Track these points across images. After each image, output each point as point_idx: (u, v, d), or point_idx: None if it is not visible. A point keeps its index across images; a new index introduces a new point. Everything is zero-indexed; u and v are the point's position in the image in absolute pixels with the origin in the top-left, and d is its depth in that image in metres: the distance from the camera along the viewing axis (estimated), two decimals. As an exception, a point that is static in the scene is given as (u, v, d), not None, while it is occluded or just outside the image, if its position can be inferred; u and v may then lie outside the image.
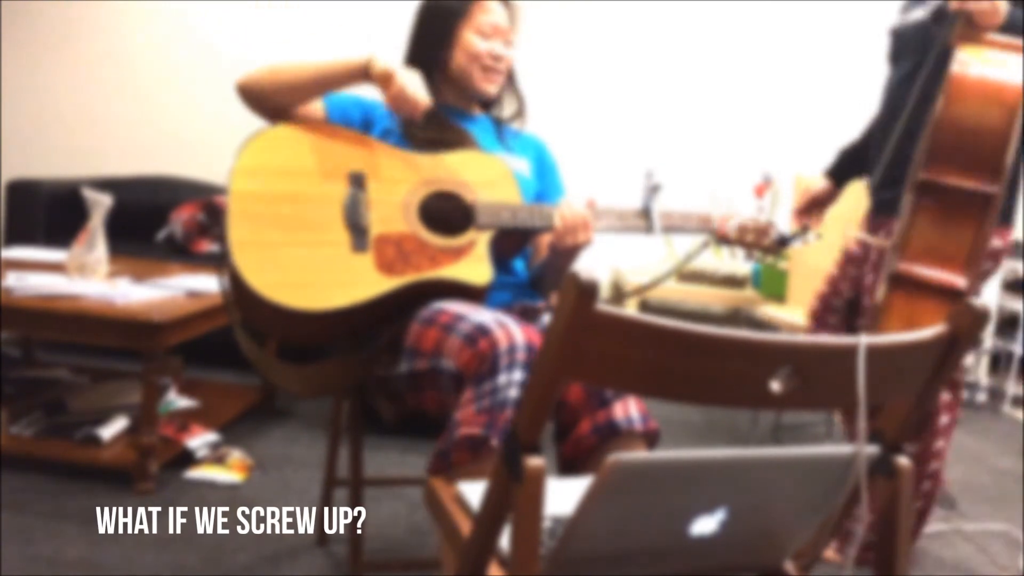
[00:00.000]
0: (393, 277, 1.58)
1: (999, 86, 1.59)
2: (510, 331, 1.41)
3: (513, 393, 1.35)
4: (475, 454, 1.34)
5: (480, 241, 1.66)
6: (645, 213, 1.72)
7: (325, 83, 1.67)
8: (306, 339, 1.66)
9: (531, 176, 1.86)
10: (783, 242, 1.74)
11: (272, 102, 1.69)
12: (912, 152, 1.86)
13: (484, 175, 1.72)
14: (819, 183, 2.31)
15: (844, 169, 2.28)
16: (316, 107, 1.74)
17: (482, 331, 1.41)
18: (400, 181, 1.66)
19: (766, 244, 1.74)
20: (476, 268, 1.64)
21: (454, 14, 1.79)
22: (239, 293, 1.56)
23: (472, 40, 1.78)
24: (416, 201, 1.66)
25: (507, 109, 1.92)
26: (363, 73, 1.63)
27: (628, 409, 1.48)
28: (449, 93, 1.85)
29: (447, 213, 1.69)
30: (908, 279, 1.68)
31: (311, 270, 1.55)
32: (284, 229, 1.56)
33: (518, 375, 1.36)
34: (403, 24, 1.87)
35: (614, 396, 1.49)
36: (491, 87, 1.83)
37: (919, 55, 1.97)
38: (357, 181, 1.64)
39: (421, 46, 1.83)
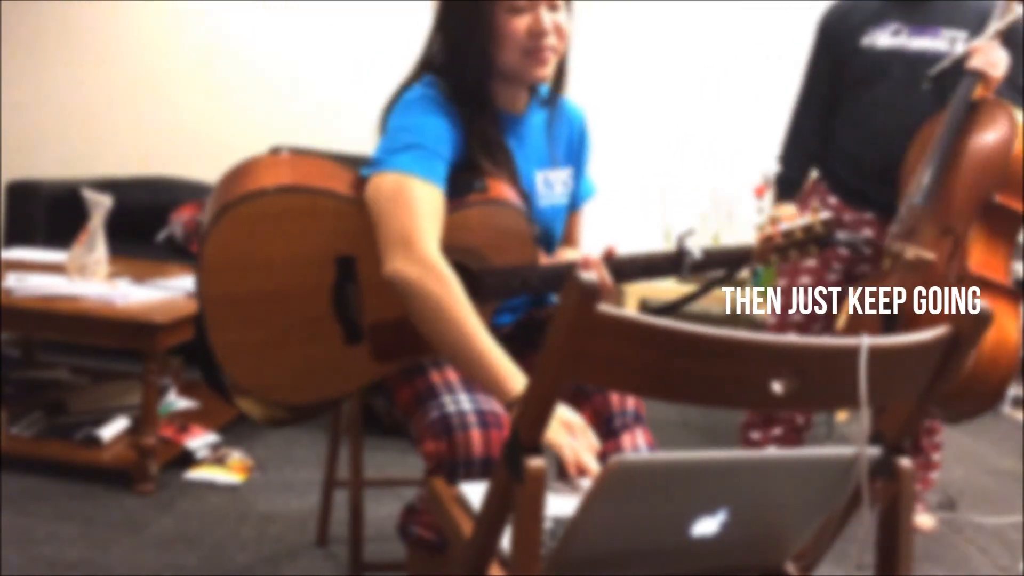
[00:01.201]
0: (387, 365, 1.50)
1: None
2: (470, 439, 1.31)
3: None
4: (431, 555, 1.45)
5: (481, 314, 1.55)
6: (679, 255, 1.56)
7: (462, 368, 1.33)
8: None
9: (567, 192, 1.68)
10: (825, 239, 1.62)
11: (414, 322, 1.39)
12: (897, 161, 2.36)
13: (499, 234, 1.52)
14: (789, 210, 2.55)
15: (793, 190, 2.60)
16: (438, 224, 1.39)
17: (445, 428, 1.32)
18: None
19: (818, 231, 1.59)
20: None
21: None
22: None
23: (505, 21, 1.44)
24: None
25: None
26: (501, 399, 1.28)
27: (636, 441, 1.46)
28: (501, 92, 1.55)
29: None
30: (983, 281, 2.14)
31: (304, 367, 1.46)
32: (270, 328, 1.44)
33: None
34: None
35: (622, 427, 1.47)
36: (542, 70, 1.49)
37: (928, 86, 2.33)
38: (345, 267, 1.45)
39: (456, 47, 1.50)
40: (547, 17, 1.45)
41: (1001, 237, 2.18)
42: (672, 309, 1.69)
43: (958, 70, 2.24)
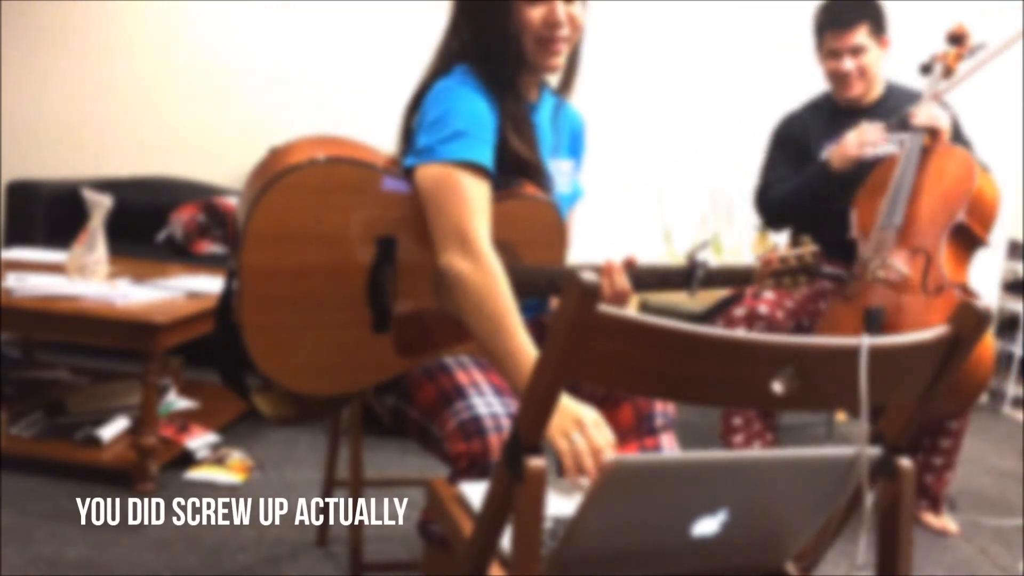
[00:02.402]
0: (409, 359, 1.51)
1: (991, 179, 2.53)
2: (504, 439, 1.33)
3: None
4: (452, 555, 1.43)
5: None
6: (691, 269, 1.61)
7: (491, 361, 1.37)
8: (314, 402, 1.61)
9: (570, 182, 1.72)
10: (814, 270, 1.74)
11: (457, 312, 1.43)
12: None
13: (533, 229, 1.56)
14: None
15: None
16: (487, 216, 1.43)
17: (478, 429, 1.33)
18: None
19: (808, 260, 1.70)
20: None
21: None
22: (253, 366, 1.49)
23: (522, 10, 1.48)
24: None
25: (554, 78, 1.65)
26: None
27: (673, 442, 1.50)
28: (520, 80, 1.58)
29: None
30: (960, 286, 2.42)
31: (326, 354, 1.46)
32: (301, 310, 1.43)
33: None
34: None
35: (663, 427, 1.50)
36: (554, 60, 1.53)
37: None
38: (386, 247, 1.47)
39: (488, 37, 1.52)
40: (562, 9, 1.49)
41: (964, 252, 2.49)
42: (709, 316, 1.77)
43: (904, 127, 2.59)
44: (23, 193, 3.61)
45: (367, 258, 1.46)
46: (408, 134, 1.57)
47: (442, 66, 1.57)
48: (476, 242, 1.37)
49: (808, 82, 3.04)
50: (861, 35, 2.60)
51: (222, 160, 4.20)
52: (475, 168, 1.43)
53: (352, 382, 1.50)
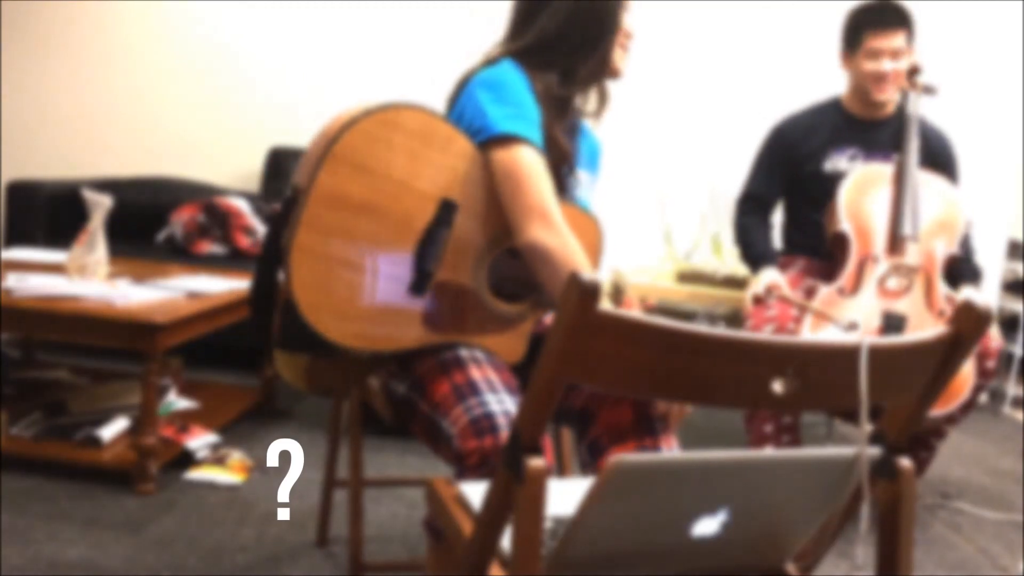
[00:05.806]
0: (434, 333, 1.51)
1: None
2: None
3: None
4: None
5: (529, 318, 1.60)
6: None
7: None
8: (322, 353, 1.61)
9: (587, 195, 1.76)
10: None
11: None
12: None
13: (577, 238, 1.56)
14: (775, 276, 2.64)
15: (771, 259, 2.75)
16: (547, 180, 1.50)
17: (491, 425, 1.35)
18: (491, 223, 1.53)
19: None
20: (512, 346, 1.58)
21: None
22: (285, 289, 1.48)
23: (622, 20, 1.64)
24: (492, 256, 1.55)
25: (590, 102, 1.73)
26: None
27: (672, 443, 1.51)
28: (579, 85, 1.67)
29: (516, 274, 1.61)
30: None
31: (359, 302, 1.44)
32: (352, 246, 1.43)
33: None
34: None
35: (663, 428, 1.51)
36: (624, 67, 1.68)
37: None
38: (447, 211, 1.48)
39: (580, 37, 1.60)
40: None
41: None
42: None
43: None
44: (23, 193, 3.61)
45: (428, 216, 1.47)
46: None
47: (490, 59, 1.63)
48: (557, 219, 1.45)
49: (808, 83, 3.05)
50: (902, 39, 2.61)
51: (222, 160, 4.21)
52: (536, 147, 1.49)
53: (375, 339, 1.48)
